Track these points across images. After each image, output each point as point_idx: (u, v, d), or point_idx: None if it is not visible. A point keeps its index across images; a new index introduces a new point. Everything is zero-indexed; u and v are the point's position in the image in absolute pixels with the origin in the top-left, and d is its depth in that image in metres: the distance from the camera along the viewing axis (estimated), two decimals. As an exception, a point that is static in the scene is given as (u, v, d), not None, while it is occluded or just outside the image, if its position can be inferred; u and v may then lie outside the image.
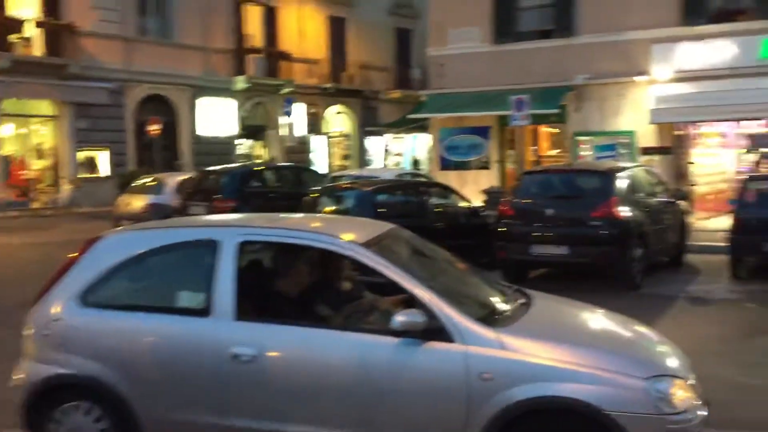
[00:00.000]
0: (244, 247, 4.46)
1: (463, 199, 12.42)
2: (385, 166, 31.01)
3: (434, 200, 11.83)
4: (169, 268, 4.67)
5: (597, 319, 4.76)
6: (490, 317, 4.20)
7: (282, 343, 4.20)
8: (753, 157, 18.35)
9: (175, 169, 22.36)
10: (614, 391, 3.77)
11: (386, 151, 32.54)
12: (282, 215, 5.85)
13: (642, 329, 4.69)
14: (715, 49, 16.50)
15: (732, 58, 16.31)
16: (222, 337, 4.19)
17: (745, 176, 13.66)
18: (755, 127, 18.18)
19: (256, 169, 17.16)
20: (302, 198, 11.58)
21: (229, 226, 4.79)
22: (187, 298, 4.49)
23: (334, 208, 10.88)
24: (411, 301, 4.12)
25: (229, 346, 4.15)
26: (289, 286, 4.72)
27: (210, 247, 4.39)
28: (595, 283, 10.61)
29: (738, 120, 17.81)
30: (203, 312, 4.28)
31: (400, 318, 3.95)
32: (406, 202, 11.56)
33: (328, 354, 4.13)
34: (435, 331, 3.94)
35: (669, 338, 4.64)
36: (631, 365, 3.94)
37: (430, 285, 4.16)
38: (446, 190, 12.64)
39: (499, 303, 4.53)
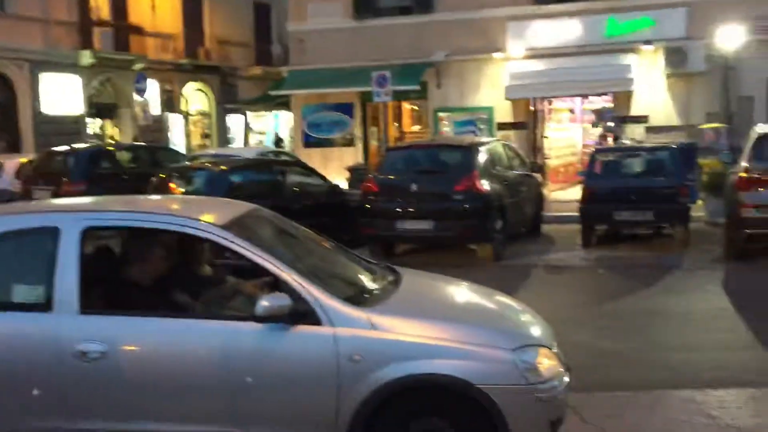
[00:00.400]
0: (90, 233, 4.10)
1: (322, 177, 12.20)
2: (246, 144, 30.26)
3: (291, 179, 11.50)
4: (2, 260, 4.20)
5: (463, 293, 4.78)
6: (358, 297, 4.09)
7: (135, 337, 3.90)
8: (599, 130, 19.54)
9: None
10: (483, 364, 3.78)
11: (248, 129, 31.74)
12: (134, 197, 5.48)
13: (505, 300, 4.77)
14: (564, 28, 17.29)
15: (580, 37, 17.16)
16: (65, 333, 3.84)
17: (592, 149, 14.48)
18: (601, 102, 19.32)
19: (107, 149, 16.12)
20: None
21: (71, 212, 4.40)
22: (23, 293, 4.05)
23: (183, 190, 10.35)
24: (276, 284, 3.95)
25: (74, 342, 3.80)
26: (143, 274, 4.37)
27: (50, 234, 4.01)
28: (460, 256, 10.85)
29: (585, 95, 18.83)
30: (43, 307, 3.91)
31: (264, 302, 3.76)
32: (261, 182, 11.17)
33: (187, 345, 3.88)
34: (302, 314, 3.79)
35: (530, 307, 4.74)
36: (498, 337, 3.96)
37: (296, 266, 4.00)
38: (304, 168, 12.38)
39: (367, 281, 4.43)
